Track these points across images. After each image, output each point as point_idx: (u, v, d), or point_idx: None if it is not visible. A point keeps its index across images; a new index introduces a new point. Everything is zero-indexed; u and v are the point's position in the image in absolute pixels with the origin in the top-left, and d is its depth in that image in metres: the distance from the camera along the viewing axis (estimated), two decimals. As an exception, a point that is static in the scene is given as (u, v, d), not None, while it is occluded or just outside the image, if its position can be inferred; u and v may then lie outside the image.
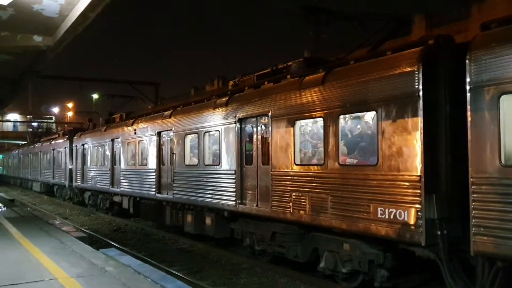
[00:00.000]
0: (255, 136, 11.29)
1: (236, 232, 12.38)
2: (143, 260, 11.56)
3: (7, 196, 31.55)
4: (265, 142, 10.96)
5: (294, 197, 9.69)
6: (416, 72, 7.35)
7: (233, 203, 11.72)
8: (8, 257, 9.19)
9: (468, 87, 6.70)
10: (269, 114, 10.55)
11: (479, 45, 6.70)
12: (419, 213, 7.22)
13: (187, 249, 14.09)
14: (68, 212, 25.06)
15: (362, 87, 8.30)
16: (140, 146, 17.60)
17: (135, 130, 17.95)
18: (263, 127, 11.08)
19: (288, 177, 9.93)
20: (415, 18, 24.66)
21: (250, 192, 11.33)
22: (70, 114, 70.09)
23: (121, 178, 19.18)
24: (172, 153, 15.00)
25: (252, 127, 11.49)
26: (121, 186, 19.19)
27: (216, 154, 12.81)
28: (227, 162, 12.13)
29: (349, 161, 8.77)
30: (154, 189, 16.16)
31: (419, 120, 7.29)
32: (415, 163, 7.33)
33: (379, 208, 7.83)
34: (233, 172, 11.81)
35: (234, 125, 11.84)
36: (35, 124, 63.61)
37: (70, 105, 71.43)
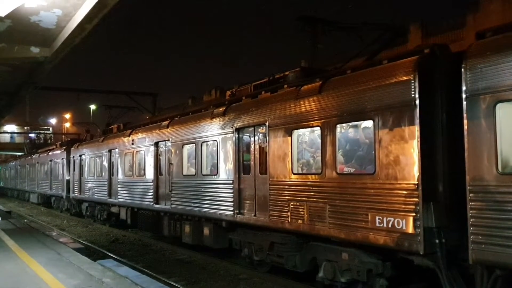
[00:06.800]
0: (252, 146, 11.30)
1: (234, 242, 12.33)
2: (140, 271, 11.52)
3: (4, 207, 31.41)
4: (262, 152, 10.97)
5: (292, 206, 9.68)
6: (413, 81, 7.39)
7: (231, 213, 11.69)
8: (4, 269, 9.14)
9: (464, 96, 6.74)
10: (267, 123, 10.57)
11: (475, 54, 6.74)
12: (417, 222, 7.21)
13: (185, 260, 14.02)
14: (66, 223, 24.95)
15: (359, 96, 8.33)
16: (137, 156, 17.58)
17: (132, 140, 17.94)
18: (260, 136, 11.09)
19: (286, 187, 9.92)
20: (410, 28, 24.83)
21: (248, 201, 11.31)
22: (67, 125, 70.10)
23: (119, 189, 19.11)
24: (170, 163, 14.98)
25: (249, 136, 11.50)
26: (119, 197, 19.13)
27: (214, 164, 12.80)
28: (225, 172, 12.12)
29: (346, 170, 8.78)
30: (151, 200, 16.11)
31: (416, 129, 7.31)
32: (413, 172, 7.34)
33: (377, 217, 7.83)
34: (231, 182, 11.80)
35: (232, 135, 11.85)
36: (32, 135, 63.49)
37: (67, 116, 71.47)
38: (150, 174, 16.35)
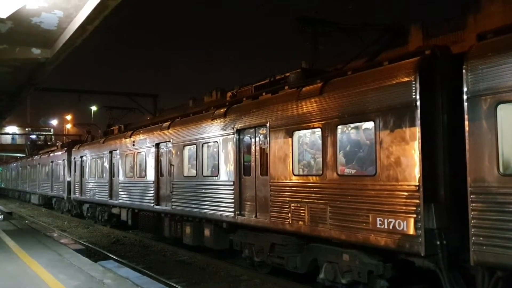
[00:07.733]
0: (253, 147, 11.29)
1: (235, 244, 12.32)
2: (141, 272, 11.50)
3: (5, 208, 31.40)
4: (263, 153, 10.96)
5: (293, 207, 9.67)
6: (413, 82, 7.38)
7: (232, 214, 11.68)
8: (5, 270, 9.13)
9: (465, 97, 6.73)
10: (267, 125, 10.56)
11: (476, 55, 6.74)
12: (418, 223, 7.20)
13: (186, 261, 14.01)
14: (67, 224, 24.95)
15: (360, 98, 8.32)
16: (138, 157, 17.58)
17: (133, 141, 17.94)
18: (261, 137, 11.08)
19: (287, 188, 9.91)
20: (411, 29, 24.83)
21: (248, 203, 11.30)
22: (68, 126, 70.15)
23: (120, 190, 19.11)
24: (171, 165, 14.98)
25: (250, 138, 11.49)
26: (120, 198, 19.13)
27: (215, 165, 12.79)
28: (226, 173, 12.12)
29: (347, 171, 8.77)
30: (152, 201, 16.11)
31: (417, 130, 7.30)
32: (414, 173, 7.32)
33: (378, 218, 7.81)
34: (232, 183, 11.79)
35: (233, 136, 11.85)
36: (33, 136, 63.57)
37: (68, 117, 71.57)
38: (151, 175, 16.35)
